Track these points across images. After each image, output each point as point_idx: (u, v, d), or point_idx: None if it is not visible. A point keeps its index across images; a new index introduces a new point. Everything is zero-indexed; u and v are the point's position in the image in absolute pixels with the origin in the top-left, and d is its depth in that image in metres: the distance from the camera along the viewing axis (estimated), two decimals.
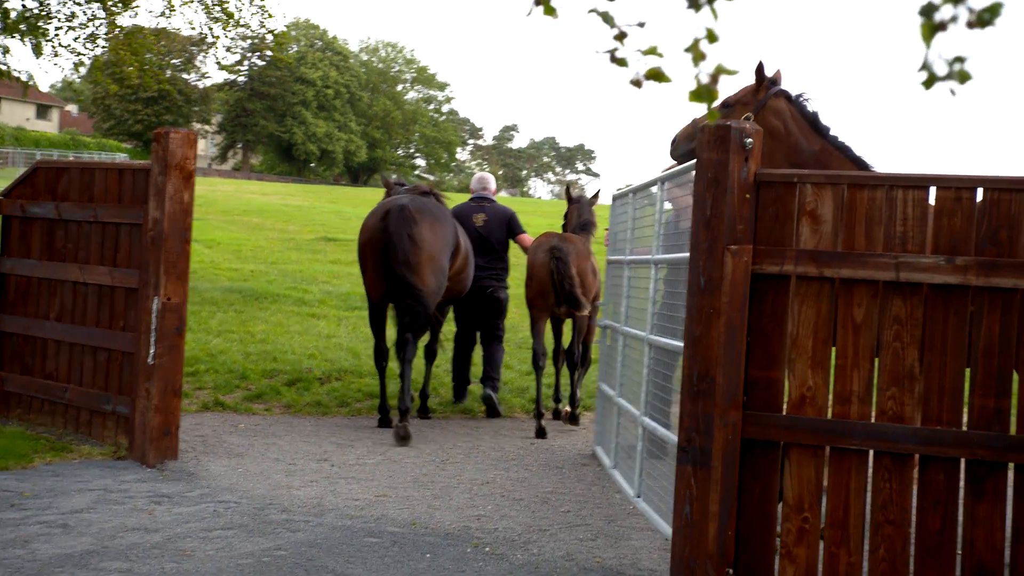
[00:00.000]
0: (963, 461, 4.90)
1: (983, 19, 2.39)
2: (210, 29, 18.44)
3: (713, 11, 2.63)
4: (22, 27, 16.48)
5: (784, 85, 6.74)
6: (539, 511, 6.77)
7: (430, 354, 10.53)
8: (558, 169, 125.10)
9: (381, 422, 9.62)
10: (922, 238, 4.97)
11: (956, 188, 4.93)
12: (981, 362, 4.89)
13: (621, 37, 2.63)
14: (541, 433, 9.43)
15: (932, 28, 2.41)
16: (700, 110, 7.14)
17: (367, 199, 38.34)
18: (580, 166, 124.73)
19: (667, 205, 7.17)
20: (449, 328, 11.49)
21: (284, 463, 7.84)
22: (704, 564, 5.08)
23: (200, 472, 7.44)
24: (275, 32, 19.20)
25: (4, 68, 16.77)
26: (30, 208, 8.82)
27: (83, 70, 19.79)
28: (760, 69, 6.73)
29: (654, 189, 7.49)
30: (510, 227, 10.81)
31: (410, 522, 6.33)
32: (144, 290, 7.79)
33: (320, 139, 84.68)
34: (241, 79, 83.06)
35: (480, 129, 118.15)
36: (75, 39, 17.71)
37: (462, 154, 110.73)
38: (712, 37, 2.61)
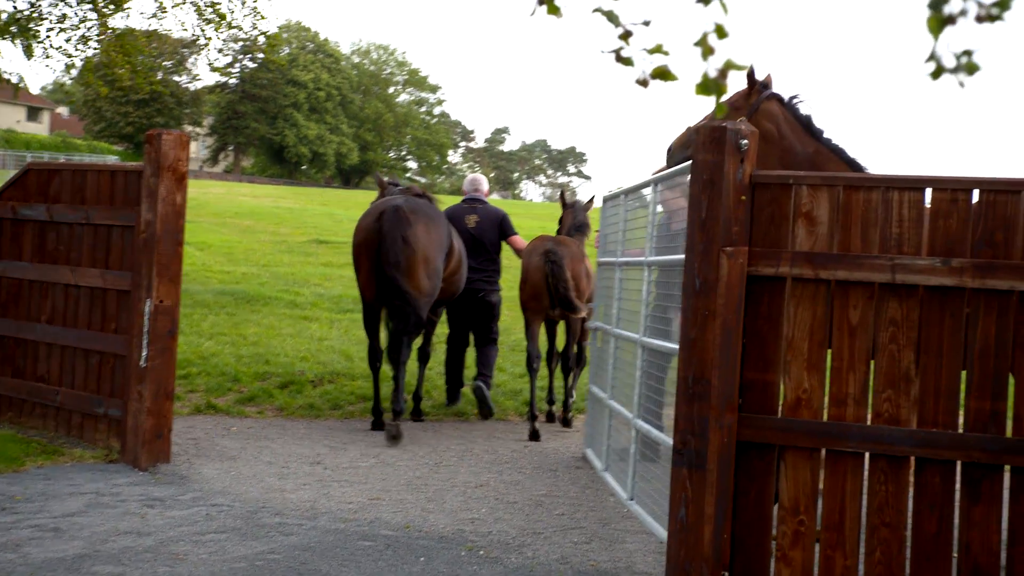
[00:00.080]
0: (959, 464, 4.89)
1: (992, 13, 2.36)
2: (202, 31, 18.40)
3: (723, 6, 2.60)
4: (13, 29, 16.43)
5: (778, 86, 6.74)
6: (533, 514, 6.75)
7: (423, 356, 10.51)
8: (549, 171, 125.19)
9: (374, 425, 9.59)
10: (918, 240, 4.96)
11: (952, 190, 4.92)
12: (977, 364, 4.88)
13: (626, 36, 2.61)
14: (535, 436, 9.41)
15: (941, 21, 2.39)
16: (698, 114, 7.13)
17: (359, 201, 38.31)
18: (572, 168, 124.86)
19: (658, 208, 7.16)
20: (442, 330, 11.47)
21: (277, 466, 7.81)
22: (700, 567, 5.07)
23: (192, 475, 7.40)
24: (267, 34, 19.15)
25: None
26: (21, 210, 8.78)
27: (74, 72, 19.70)
28: (751, 73, 6.73)
29: (645, 191, 7.48)
30: (502, 228, 10.78)
31: (404, 525, 6.31)
32: (136, 292, 7.75)
33: (312, 141, 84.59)
34: (232, 81, 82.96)
35: (471, 131, 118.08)
36: (67, 40, 17.66)
37: (454, 156, 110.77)
38: (721, 32, 2.58)
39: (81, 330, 8.26)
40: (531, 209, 48.34)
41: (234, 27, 18.29)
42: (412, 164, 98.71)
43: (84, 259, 8.31)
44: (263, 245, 23.69)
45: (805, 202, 5.11)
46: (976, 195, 4.91)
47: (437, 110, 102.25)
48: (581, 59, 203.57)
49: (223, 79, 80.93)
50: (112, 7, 17.09)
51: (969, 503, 4.86)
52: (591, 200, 10.72)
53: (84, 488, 6.89)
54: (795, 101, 6.75)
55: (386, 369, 9.94)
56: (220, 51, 48.91)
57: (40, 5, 16.78)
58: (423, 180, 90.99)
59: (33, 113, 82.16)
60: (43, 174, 8.78)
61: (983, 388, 4.86)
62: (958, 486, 4.89)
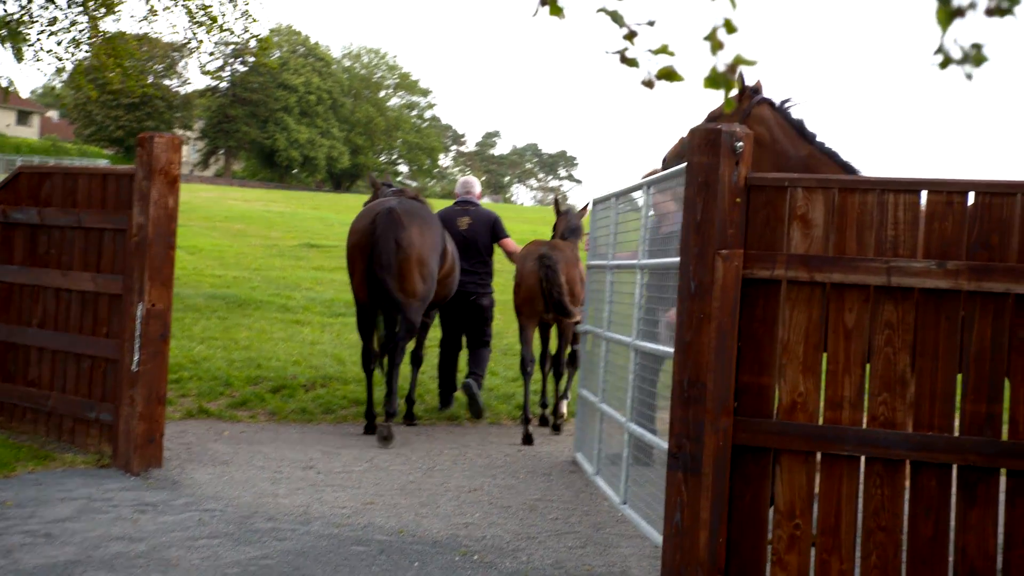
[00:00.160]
0: (955, 467, 4.88)
1: (1003, 7, 2.34)
2: (194, 33, 18.37)
3: (731, 1, 2.57)
4: (3, 32, 16.37)
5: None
6: (527, 518, 6.73)
7: (416, 360, 10.48)
8: (540, 175, 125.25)
9: (367, 429, 9.56)
10: (913, 242, 4.95)
11: (947, 192, 4.92)
12: (973, 367, 4.87)
13: (631, 36, 2.57)
14: (528, 439, 9.40)
15: (949, 14, 2.36)
16: (692, 118, 7.11)
17: (350, 205, 38.27)
18: (562, 172, 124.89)
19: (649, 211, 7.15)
20: (434, 334, 11.44)
21: (270, 471, 7.78)
22: (695, 572, 5.05)
23: (185, 480, 7.37)
24: (259, 37, 19.12)
25: None
26: (12, 214, 8.73)
27: (65, 75, 19.69)
28: (740, 78, 6.72)
29: (636, 194, 7.46)
30: (494, 231, 10.76)
31: (398, 530, 6.28)
32: (128, 296, 7.71)
33: (302, 145, 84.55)
34: (223, 85, 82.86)
35: (462, 135, 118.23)
36: (58, 43, 17.62)
37: (445, 160, 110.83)
38: (730, 27, 2.55)
39: (73, 334, 8.22)
40: (522, 213, 48.32)
41: (225, 29, 18.27)
42: (403, 168, 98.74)
43: (76, 263, 8.27)
44: (254, 249, 23.64)
45: (800, 204, 5.10)
46: (972, 197, 4.90)
47: (428, 114, 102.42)
48: (572, 63, 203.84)
49: (214, 83, 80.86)
50: (103, 10, 17.05)
51: (965, 507, 4.85)
52: (585, 207, 10.72)
53: (76, 493, 6.85)
54: (786, 105, 6.75)
55: (378, 374, 9.92)
56: (211, 54, 48.80)
57: (30, 8, 16.73)
58: (414, 184, 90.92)
59: (23, 117, 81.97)
60: (34, 177, 8.74)
61: (979, 391, 4.85)
62: (954, 489, 4.88)
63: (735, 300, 5.11)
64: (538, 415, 10.51)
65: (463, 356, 11.01)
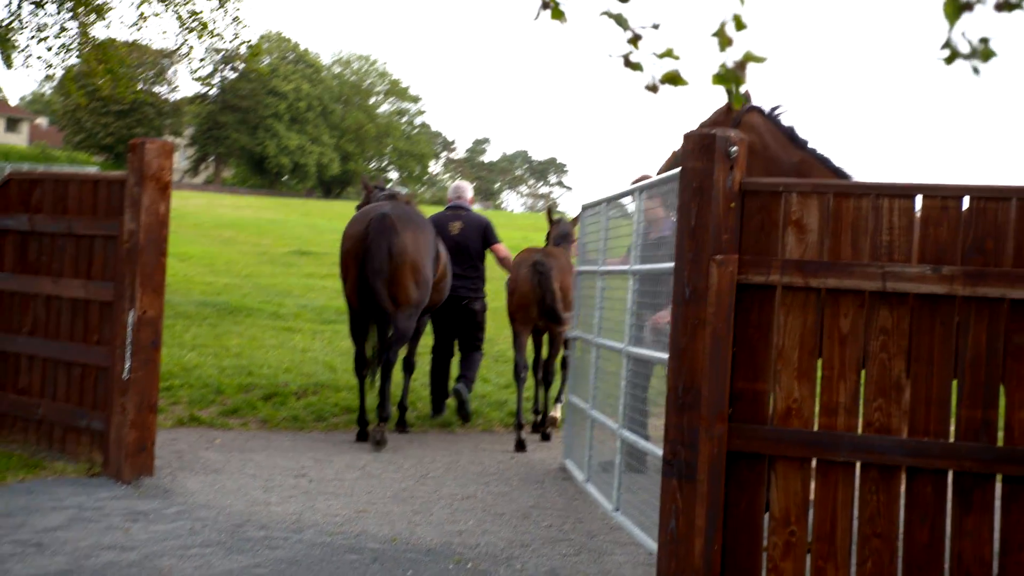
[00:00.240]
0: (951, 473, 4.86)
1: (1012, 1, 2.32)
2: (184, 39, 18.35)
3: None
4: None
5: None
6: (521, 526, 6.70)
7: (408, 367, 10.45)
8: (531, 182, 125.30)
9: (360, 436, 9.52)
10: (908, 247, 4.94)
11: (942, 197, 4.91)
12: (968, 373, 4.86)
13: (635, 40, 2.54)
14: (520, 446, 9.37)
15: (958, 8, 2.34)
16: (685, 127, 7.10)
17: (340, 212, 38.24)
18: (553, 179, 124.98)
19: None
20: (426, 341, 11.41)
21: (261, 479, 7.73)
22: None
23: (176, 488, 7.32)
24: (249, 43, 19.11)
25: None
26: (2, 220, 8.67)
27: (55, 81, 19.71)
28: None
29: (626, 200, 7.45)
30: (486, 236, 10.74)
31: (391, 538, 6.25)
32: (119, 303, 7.67)
33: (293, 152, 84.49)
34: (213, 92, 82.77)
35: (452, 142, 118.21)
36: (47, 49, 17.58)
37: (435, 167, 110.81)
38: (739, 23, 2.52)
39: (63, 342, 8.16)
40: (513, 220, 48.34)
41: (216, 35, 18.25)
42: (393, 174, 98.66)
43: (66, 270, 8.21)
44: (245, 256, 23.60)
45: (795, 210, 5.09)
46: (967, 202, 4.90)
47: (418, 120, 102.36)
48: (561, 70, 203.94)
49: (204, 89, 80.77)
50: (93, 16, 17.01)
51: (961, 513, 4.84)
52: (577, 217, 10.72)
53: (66, 502, 6.80)
54: (777, 112, 6.74)
55: (370, 380, 9.89)
56: (202, 60, 48.76)
57: (20, 13, 16.69)
58: (404, 190, 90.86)
59: (12, 124, 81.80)
60: (24, 184, 8.69)
61: (974, 397, 4.84)
62: (950, 495, 4.87)
63: (730, 306, 5.09)
64: (531, 422, 10.49)
65: (455, 363, 10.99)
